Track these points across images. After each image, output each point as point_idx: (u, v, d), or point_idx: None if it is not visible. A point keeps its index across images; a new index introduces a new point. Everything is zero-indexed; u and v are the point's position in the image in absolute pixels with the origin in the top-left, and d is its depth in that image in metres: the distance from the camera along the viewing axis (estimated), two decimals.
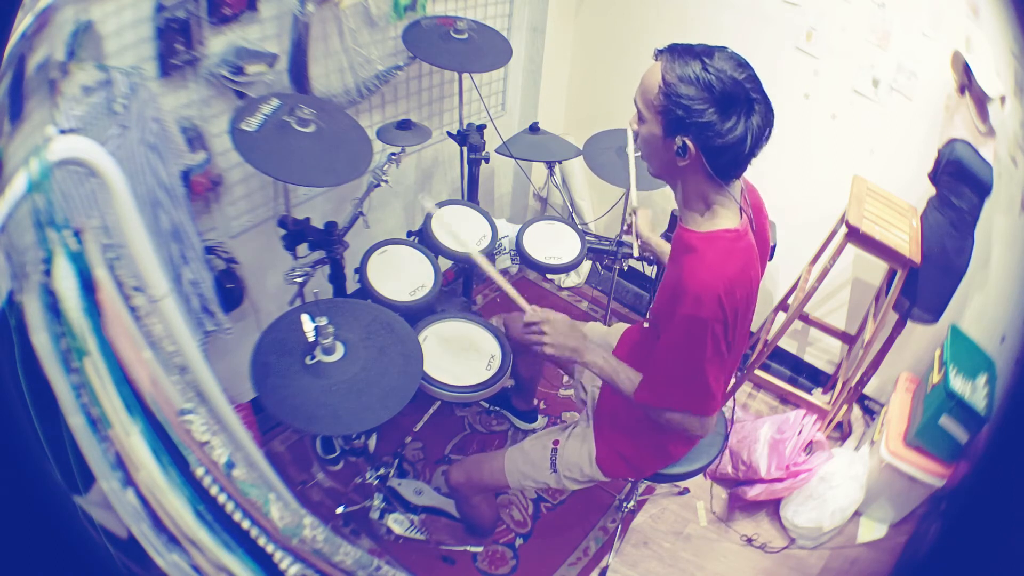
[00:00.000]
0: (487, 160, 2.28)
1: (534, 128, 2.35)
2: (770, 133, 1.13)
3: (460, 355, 1.79)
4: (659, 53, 1.15)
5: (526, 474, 1.61)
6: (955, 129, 1.96)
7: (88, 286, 0.88)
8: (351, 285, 1.95)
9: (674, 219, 2.32)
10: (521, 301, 1.42)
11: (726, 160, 1.13)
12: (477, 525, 1.88)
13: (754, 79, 1.11)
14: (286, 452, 2.14)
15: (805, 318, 2.52)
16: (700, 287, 1.16)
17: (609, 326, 1.82)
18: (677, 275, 1.23)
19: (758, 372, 2.43)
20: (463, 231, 2.04)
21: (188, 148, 1.61)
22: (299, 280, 1.73)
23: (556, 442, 1.59)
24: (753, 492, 2.14)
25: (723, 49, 1.12)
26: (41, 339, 0.86)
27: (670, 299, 1.24)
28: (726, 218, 1.21)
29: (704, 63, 1.09)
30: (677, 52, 1.12)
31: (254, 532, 0.99)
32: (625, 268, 2.32)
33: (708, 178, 1.17)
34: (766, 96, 1.12)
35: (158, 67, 1.49)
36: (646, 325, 1.58)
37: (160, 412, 0.94)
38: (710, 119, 1.09)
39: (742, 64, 1.11)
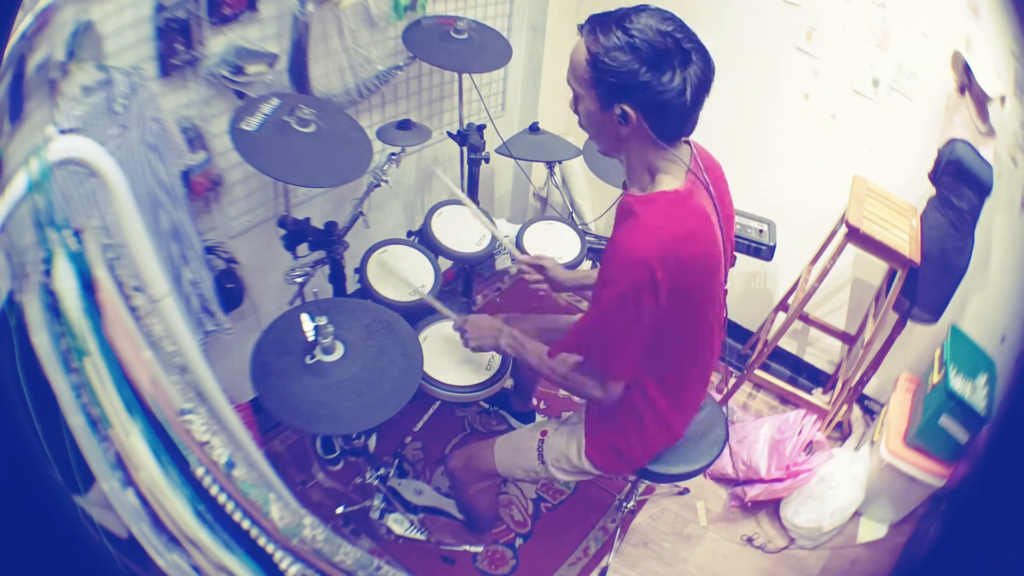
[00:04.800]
0: (487, 160, 2.28)
1: (534, 128, 2.35)
2: (712, 80, 1.10)
3: (460, 355, 1.79)
4: (580, 27, 1.13)
5: (515, 462, 1.61)
6: (955, 129, 1.96)
7: (88, 286, 0.88)
8: (351, 285, 1.95)
9: None
10: (446, 311, 1.60)
11: (669, 118, 1.11)
12: (475, 517, 1.87)
13: (683, 29, 1.08)
14: (286, 452, 2.14)
15: (805, 318, 2.52)
16: (630, 250, 1.14)
17: None
18: (611, 239, 1.22)
19: (758, 372, 2.43)
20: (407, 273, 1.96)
21: (188, 148, 1.61)
22: (299, 280, 1.73)
23: (544, 432, 1.59)
24: (753, 492, 2.14)
25: (645, 7, 1.10)
26: (41, 339, 0.85)
27: (605, 261, 1.22)
28: (669, 182, 1.18)
29: (625, 25, 1.06)
30: (597, 21, 1.10)
31: (254, 532, 0.99)
32: None
33: (652, 144, 1.15)
34: (700, 43, 1.09)
35: (158, 67, 1.49)
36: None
37: (160, 412, 0.94)
38: (645, 79, 1.06)
39: (668, 17, 1.09)
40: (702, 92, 1.10)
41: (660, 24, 1.07)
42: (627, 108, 1.10)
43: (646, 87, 1.07)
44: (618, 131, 1.15)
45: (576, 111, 1.20)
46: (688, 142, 1.23)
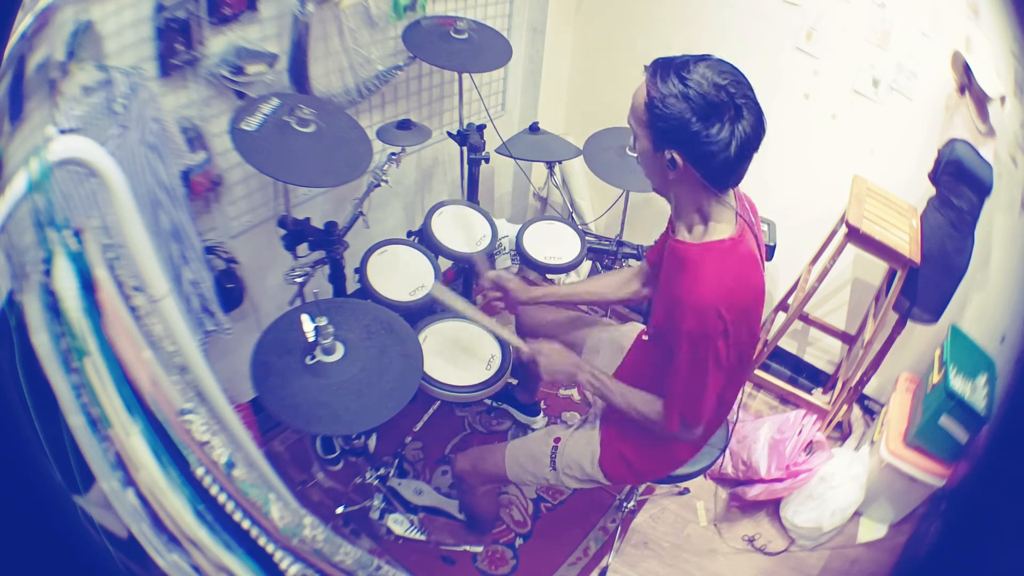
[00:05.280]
0: (487, 160, 2.28)
1: (534, 128, 2.35)
2: (762, 136, 1.13)
3: (460, 355, 1.79)
4: (646, 68, 1.16)
5: (525, 468, 1.61)
6: (955, 129, 1.96)
7: (88, 286, 0.88)
8: (351, 285, 1.95)
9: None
10: (516, 341, 1.54)
11: (717, 169, 1.13)
12: (477, 518, 1.87)
13: (739, 84, 1.10)
14: (286, 452, 2.14)
15: (805, 318, 2.52)
16: (698, 302, 1.17)
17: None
18: (673, 291, 1.24)
19: (758, 372, 2.43)
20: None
21: (188, 148, 1.61)
22: (299, 280, 1.73)
23: (558, 439, 1.59)
24: (753, 492, 2.14)
25: (707, 57, 1.12)
26: (41, 339, 0.85)
27: (669, 315, 1.25)
28: (721, 228, 1.21)
29: (683, 74, 1.09)
30: (659, 66, 1.13)
31: (254, 532, 0.99)
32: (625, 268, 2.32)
33: (703, 188, 1.18)
34: (754, 100, 1.11)
35: (158, 67, 1.49)
36: (645, 338, 1.57)
37: (160, 412, 0.94)
38: (694, 129, 1.09)
39: (725, 71, 1.10)
40: (749, 148, 1.12)
41: (717, 77, 1.08)
42: (675, 154, 1.13)
43: (695, 137, 1.10)
44: (667, 173, 1.18)
45: (634, 148, 1.24)
46: None
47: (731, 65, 1.12)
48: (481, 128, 2.26)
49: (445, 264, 2.08)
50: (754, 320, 1.26)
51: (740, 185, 1.27)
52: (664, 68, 1.11)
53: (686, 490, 2.23)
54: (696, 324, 1.18)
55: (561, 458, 1.57)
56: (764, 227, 2.30)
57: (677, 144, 1.12)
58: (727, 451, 2.03)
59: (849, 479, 2.04)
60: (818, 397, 2.45)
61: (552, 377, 1.47)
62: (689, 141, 1.11)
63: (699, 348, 1.20)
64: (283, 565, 1.01)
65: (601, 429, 1.56)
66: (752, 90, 1.12)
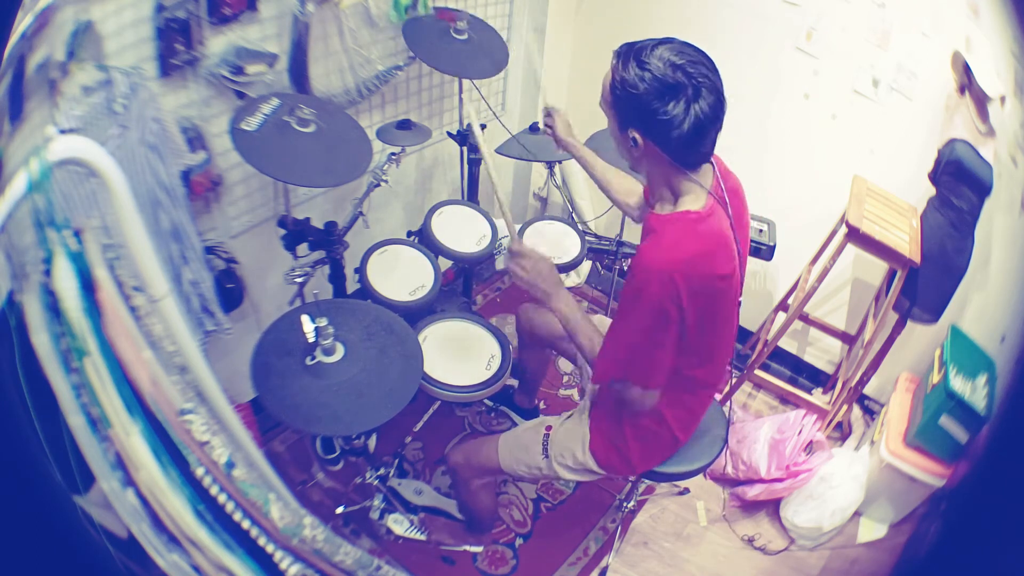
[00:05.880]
0: None
1: (534, 128, 2.35)
2: (721, 114, 1.15)
3: (460, 355, 1.79)
4: (614, 53, 1.19)
5: (519, 458, 1.61)
6: (955, 129, 1.96)
7: (88, 286, 0.88)
8: (351, 285, 1.95)
9: None
10: (512, 228, 1.44)
11: (674, 145, 1.16)
12: (475, 515, 1.86)
13: (697, 64, 1.12)
14: (286, 452, 2.14)
15: (805, 318, 2.52)
16: (652, 264, 1.20)
17: None
18: (635, 255, 1.28)
19: (758, 372, 2.43)
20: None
21: (188, 148, 1.61)
22: (299, 280, 1.73)
23: (549, 427, 1.60)
24: (753, 492, 2.14)
25: (670, 40, 1.14)
26: (41, 339, 0.85)
27: (628, 277, 1.27)
28: (689, 201, 1.24)
29: (641, 56, 1.12)
30: (622, 50, 1.17)
31: (254, 532, 0.99)
32: (625, 268, 2.32)
33: (670, 165, 1.21)
34: (712, 79, 1.13)
35: (158, 67, 1.49)
36: None
37: (160, 412, 0.94)
38: (652, 108, 1.12)
39: (684, 52, 1.12)
40: (707, 126, 1.14)
41: (674, 57, 1.11)
42: (636, 134, 1.18)
43: (652, 115, 1.13)
44: (633, 151, 1.22)
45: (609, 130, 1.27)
46: (711, 161, 1.27)
47: (694, 47, 1.14)
48: (481, 128, 2.25)
49: (445, 264, 2.08)
50: (719, 295, 1.26)
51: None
52: (627, 52, 1.15)
53: (686, 490, 2.23)
54: (644, 284, 1.20)
55: (553, 446, 1.57)
56: (764, 227, 2.30)
57: (637, 123, 1.17)
58: (727, 451, 2.03)
59: (849, 479, 2.04)
60: (818, 397, 2.45)
61: (527, 287, 1.37)
62: (647, 120, 1.14)
63: (643, 307, 1.21)
64: (283, 565, 1.01)
65: (591, 416, 1.56)
66: (714, 71, 1.14)
